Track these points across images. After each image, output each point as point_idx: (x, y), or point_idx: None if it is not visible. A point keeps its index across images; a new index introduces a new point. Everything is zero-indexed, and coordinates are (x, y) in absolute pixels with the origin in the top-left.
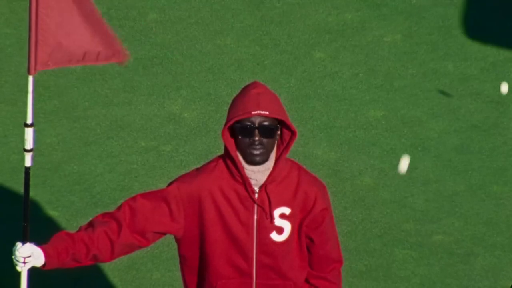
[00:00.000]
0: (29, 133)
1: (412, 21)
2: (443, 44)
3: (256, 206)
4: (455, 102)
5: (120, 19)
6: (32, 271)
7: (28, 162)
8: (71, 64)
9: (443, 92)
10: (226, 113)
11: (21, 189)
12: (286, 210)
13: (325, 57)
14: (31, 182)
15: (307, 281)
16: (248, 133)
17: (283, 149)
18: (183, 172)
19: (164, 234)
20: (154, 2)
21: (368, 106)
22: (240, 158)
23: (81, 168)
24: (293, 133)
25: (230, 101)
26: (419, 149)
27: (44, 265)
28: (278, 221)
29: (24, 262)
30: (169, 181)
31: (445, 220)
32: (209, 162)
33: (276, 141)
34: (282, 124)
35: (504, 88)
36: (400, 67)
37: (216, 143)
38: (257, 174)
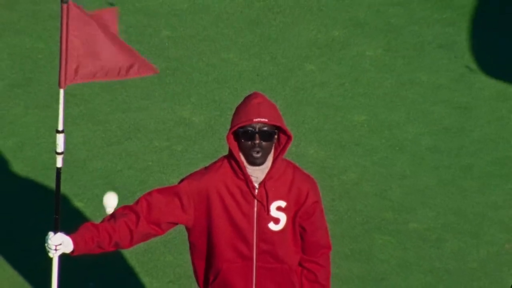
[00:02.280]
0: (60, 138)
1: (391, 38)
2: (417, 57)
3: (256, 200)
4: (427, 108)
5: (137, 36)
6: (62, 257)
7: (59, 163)
8: (95, 79)
9: (417, 100)
10: (229, 118)
11: (51, 185)
12: (282, 203)
13: (315, 69)
14: None
15: (300, 264)
16: (249, 137)
17: (280, 150)
18: (192, 169)
19: (176, 224)
20: (167, 21)
21: (352, 111)
22: (243, 158)
23: (104, 165)
24: (289, 137)
25: (233, 107)
26: (397, 148)
27: (72, 252)
28: (275, 213)
29: (56, 249)
30: (181, 177)
31: (419, 210)
32: (215, 162)
33: (273, 144)
34: (280, 129)
35: None
36: (380, 77)
37: (221, 144)
38: (257, 172)
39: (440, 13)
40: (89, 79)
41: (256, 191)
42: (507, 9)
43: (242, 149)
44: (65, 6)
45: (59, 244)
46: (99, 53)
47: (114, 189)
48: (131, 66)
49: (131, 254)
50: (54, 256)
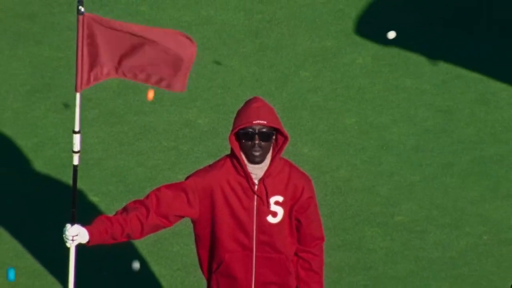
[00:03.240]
0: (76, 138)
1: (378, 47)
2: (403, 65)
3: (255, 195)
4: (412, 111)
5: None
6: (78, 247)
7: (75, 161)
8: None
9: (402, 103)
10: (231, 120)
11: (69, 181)
12: (280, 198)
13: (309, 75)
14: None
15: (296, 254)
16: (250, 138)
17: (278, 150)
18: (198, 167)
19: (183, 217)
20: None
21: (344, 114)
22: (243, 157)
23: (116, 163)
24: (285, 138)
25: (235, 111)
26: (384, 148)
27: (88, 242)
28: (273, 207)
29: (73, 240)
30: (187, 174)
31: (404, 205)
32: (218, 160)
33: (272, 144)
34: (277, 130)
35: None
36: (369, 83)
37: (224, 144)
38: (256, 170)
39: (423, 25)
40: (101, 79)
41: (256, 187)
42: (482, 21)
43: (243, 148)
44: (81, 17)
45: (76, 235)
46: (114, 58)
47: (126, 185)
48: (161, 79)
49: (142, 245)
50: (71, 246)
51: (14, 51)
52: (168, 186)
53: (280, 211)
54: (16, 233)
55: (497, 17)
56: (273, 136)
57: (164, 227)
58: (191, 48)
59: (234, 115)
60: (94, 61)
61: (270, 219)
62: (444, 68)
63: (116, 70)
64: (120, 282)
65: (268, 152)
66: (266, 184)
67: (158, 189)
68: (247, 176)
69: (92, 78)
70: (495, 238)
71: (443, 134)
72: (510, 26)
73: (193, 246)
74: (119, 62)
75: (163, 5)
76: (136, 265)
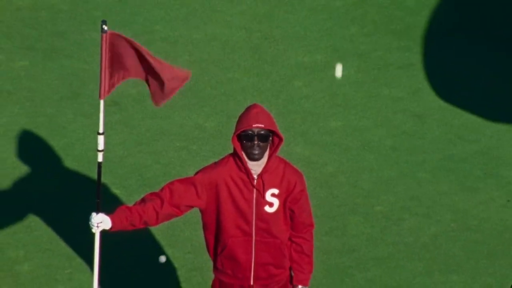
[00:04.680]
0: (101, 139)
1: (361, 61)
2: (382, 76)
3: (254, 188)
4: (390, 116)
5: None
6: (102, 233)
7: (100, 159)
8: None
9: (382, 109)
10: (234, 124)
11: (94, 176)
12: (275, 191)
13: (301, 85)
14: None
15: (289, 239)
16: (250, 139)
17: (274, 149)
18: (205, 164)
19: (192, 207)
20: (185, 48)
21: (331, 118)
22: (244, 156)
23: (135, 161)
24: (280, 139)
25: (237, 115)
26: (365, 148)
27: (111, 228)
28: (269, 198)
29: (97, 226)
30: (196, 170)
31: (383, 196)
32: (222, 158)
33: (269, 144)
34: (274, 132)
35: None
36: (353, 92)
37: (228, 144)
38: (255, 167)
39: (400, 41)
40: (116, 85)
41: (255, 181)
42: (448, 39)
43: (244, 148)
44: (104, 35)
45: (100, 222)
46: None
47: (143, 179)
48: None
49: (157, 231)
50: (96, 231)
51: (47, 64)
52: (180, 181)
53: (276, 202)
54: (50, 221)
55: (457, 30)
56: (270, 137)
57: (176, 215)
58: (179, 80)
59: (237, 119)
60: (113, 71)
61: (267, 208)
62: (417, 79)
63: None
64: (138, 262)
65: (265, 151)
66: (264, 179)
67: (171, 183)
68: (248, 172)
69: (111, 85)
70: (461, 225)
71: (416, 136)
72: (476, 38)
73: (201, 232)
74: (129, 69)
75: (175, 24)
76: (162, 258)
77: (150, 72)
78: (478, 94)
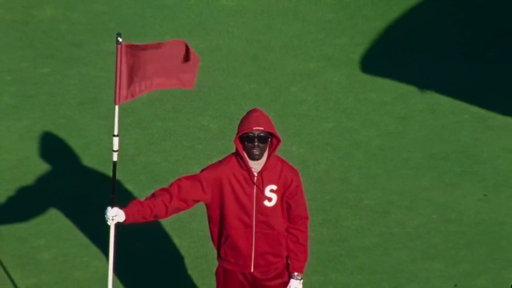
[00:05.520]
0: (115, 140)
1: (350, 68)
2: (369, 82)
3: (255, 185)
4: (377, 118)
5: None
6: (117, 225)
7: (115, 158)
8: (141, 94)
9: (369, 112)
10: (236, 126)
11: (109, 174)
12: (274, 187)
13: (297, 90)
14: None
15: (286, 230)
16: (251, 140)
17: (272, 149)
18: (209, 162)
19: (199, 201)
20: None
21: (323, 120)
22: (246, 155)
23: (146, 159)
24: (278, 140)
25: (239, 118)
26: (355, 147)
27: (124, 221)
28: (268, 194)
29: (112, 219)
30: (201, 168)
31: (371, 191)
32: (225, 157)
33: (268, 145)
34: (272, 134)
35: None
36: (343, 96)
37: (230, 144)
38: (256, 165)
39: (386, 51)
40: (136, 96)
41: (255, 178)
42: (428, 48)
43: (245, 148)
44: (119, 46)
45: (115, 215)
46: (144, 75)
47: (153, 176)
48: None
49: (166, 223)
50: (111, 224)
51: (66, 71)
52: (187, 177)
53: (274, 197)
54: (69, 213)
55: (434, 40)
56: (269, 138)
57: (184, 209)
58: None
59: (238, 122)
60: (131, 80)
61: (266, 203)
62: (402, 85)
63: (145, 85)
64: (149, 252)
65: (265, 151)
66: (263, 176)
67: (179, 179)
68: (249, 170)
69: (129, 95)
70: (442, 217)
71: (401, 136)
72: (451, 46)
73: (206, 224)
74: (146, 77)
75: (183, 35)
76: None
77: (168, 67)
78: (456, 98)
